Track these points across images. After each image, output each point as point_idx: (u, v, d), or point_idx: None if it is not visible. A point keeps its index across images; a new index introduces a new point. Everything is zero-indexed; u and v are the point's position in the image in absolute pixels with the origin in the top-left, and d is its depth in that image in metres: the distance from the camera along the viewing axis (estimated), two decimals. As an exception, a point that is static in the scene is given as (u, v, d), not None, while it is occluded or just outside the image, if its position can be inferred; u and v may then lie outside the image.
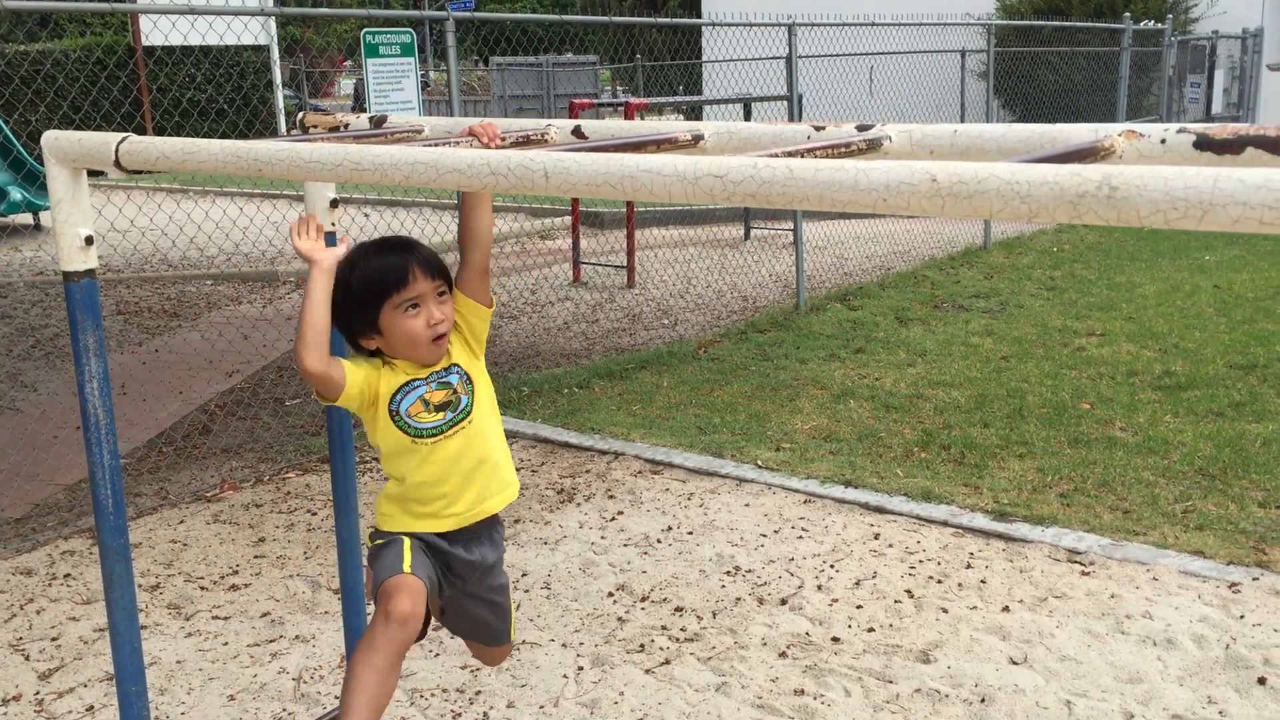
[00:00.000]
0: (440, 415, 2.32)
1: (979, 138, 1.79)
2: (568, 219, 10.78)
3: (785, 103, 11.14)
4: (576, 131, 2.16)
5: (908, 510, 4.52)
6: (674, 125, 2.07)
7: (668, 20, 9.11)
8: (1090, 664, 3.33)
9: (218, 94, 18.38)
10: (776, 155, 1.53)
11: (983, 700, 3.15)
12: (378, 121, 2.45)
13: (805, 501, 4.69)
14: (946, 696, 3.18)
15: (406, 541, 2.31)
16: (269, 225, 10.06)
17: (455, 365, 2.35)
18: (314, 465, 5.32)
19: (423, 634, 2.34)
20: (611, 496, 4.80)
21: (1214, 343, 7.07)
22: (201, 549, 4.36)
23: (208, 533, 4.53)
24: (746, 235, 12.15)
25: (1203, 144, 1.55)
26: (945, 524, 4.40)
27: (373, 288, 2.26)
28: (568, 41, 31.58)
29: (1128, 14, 12.85)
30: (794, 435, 5.54)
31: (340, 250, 2.28)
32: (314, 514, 4.70)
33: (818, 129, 1.91)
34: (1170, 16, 13.13)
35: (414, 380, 2.31)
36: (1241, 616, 3.58)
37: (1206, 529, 4.26)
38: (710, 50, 19.30)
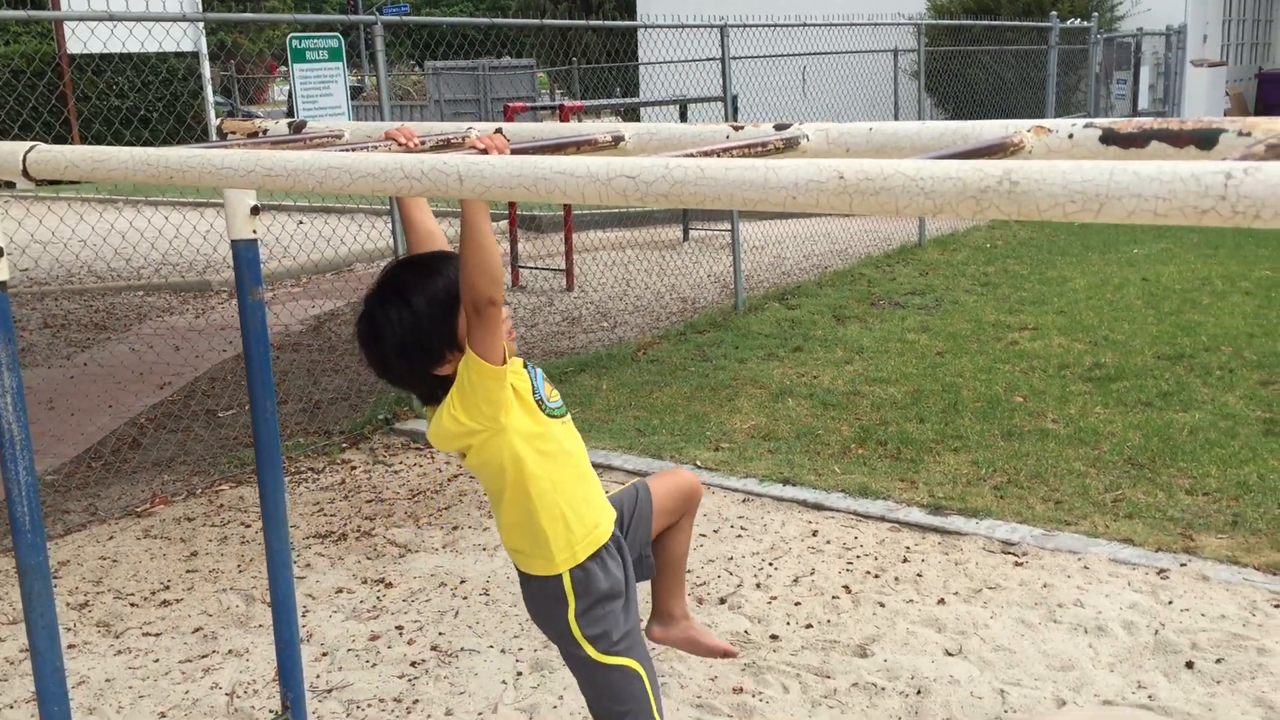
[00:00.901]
0: (557, 395, 2.24)
1: (894, 135, 1.81)
2: (504, 223, 10.73)
3: (720, 104, 11.20)
4: (499, 131, 2.14)
5: (845, 506, 4.56)
6: (594, 127, 2.06)
7: (600, 23, 9.11)
8: (1023, 653, 3.38)
9: (145, 102, 18.06)
10: (692, 155, 1.53)
11: (919, 692, 3.18)
12: (297, 127, 2.41)
13: (744, 500, 4.71)
14: (883, 690, 3.21)
15: (645, 677, 2.21)
16: (199, 234, 9.91)
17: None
18: (247, 477, 5.24)
19: None
20: (550, 500, 4.78)
21: (1142, 334, 7.21)
22: (132, 565, 4.28)
23: (138, 548, 4.44)
24: (685, 237, 12.18)
25: (1108, 138, 1.58)
26: (882, 519, 4.44)
27: (445, 301, 2.08)
28: (504, 45, 31.46)
29: (1054, 12, 13.08)
30: (733, 435, 5.56)
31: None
32: (248, 526, 4.63)
33: (736, 129, 1.91)
34: (1095, 15, 13.37)
35: (527, 365, 2.21)
36: (1170, 602, 3.65)
37: (1135, 517, 4.34)
38: (646, 52, 19.34)
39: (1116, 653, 3.36)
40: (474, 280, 1.95)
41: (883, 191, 1.23)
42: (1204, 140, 1.48)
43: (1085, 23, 13.12)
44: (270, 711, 3.11)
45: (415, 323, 2.06)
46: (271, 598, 2.86)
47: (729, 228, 11.44)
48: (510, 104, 9.74)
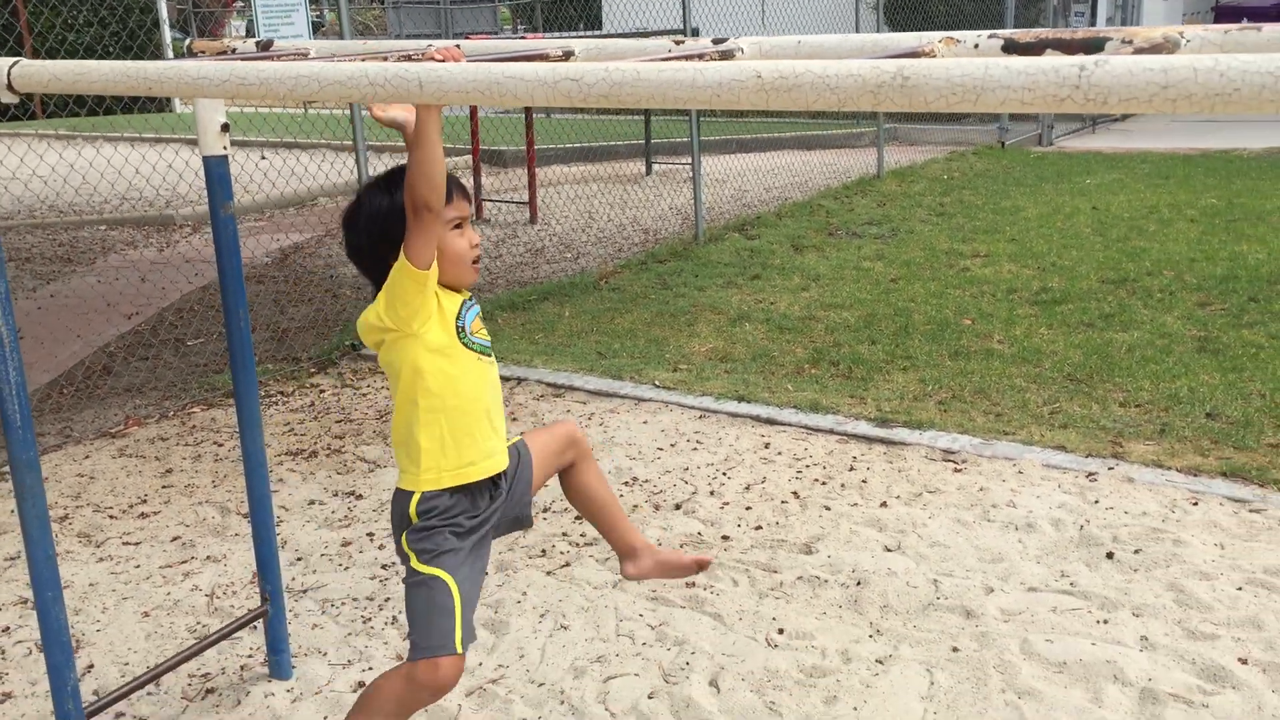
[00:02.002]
0: (488, 337, 2.33)
1: (820, 47, 1.96)
2: (468, 157, 10.78)
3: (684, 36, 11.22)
4: (456, 48, 2.27)
5: (796, 421, 4.76)
6: (547, 43, 2.20)
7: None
8: (957, 548, 3.61)
9: (102, 35, 17.80)
10: (630, 61, 1.69)
11: (858, 583, 3.41)
12: (264, 46, 2.54)
13: (700, 417, 4.90)
14: (825, 582, 3.43)
15: (457, 594, 2.19)
16: (159, 170, 9.91)
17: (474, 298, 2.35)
18: (218, 400, 5.38)
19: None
20: (515, 419, 4.96)
21: (1089, 260, 7.45)
22: (109, 481, 4.43)
23: (114, 466, 4.58)
24: (648, 170, 12.28)
25: (1009, 47, 1.74)
26: (831, 432, 4.65)
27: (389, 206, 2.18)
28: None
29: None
30: (691, 357, 5.75)
31: None
32: (220, 445, 4.78)
33: (678, 43, 2.06)
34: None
35: (468, 300, 2.29)
36: (1096, 501, 3.89)
37: (1070, 427, 4.58)
38: (609, -15, 19.23)
39: (1043, 546, 3.60)
40: (415, 183, 2.06)
41: (795, 88, 1.39)
42: (1092, 47, 1.64)
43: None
44: (249, 610, 3.29)
45: (387, 213, 2.17)
46: (250, 509, 3.03)
47: (691, 161, 11.57)
48: (471, 36, 9.75)
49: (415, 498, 2.22)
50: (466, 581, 2.22)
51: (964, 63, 1.29)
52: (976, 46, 1.80)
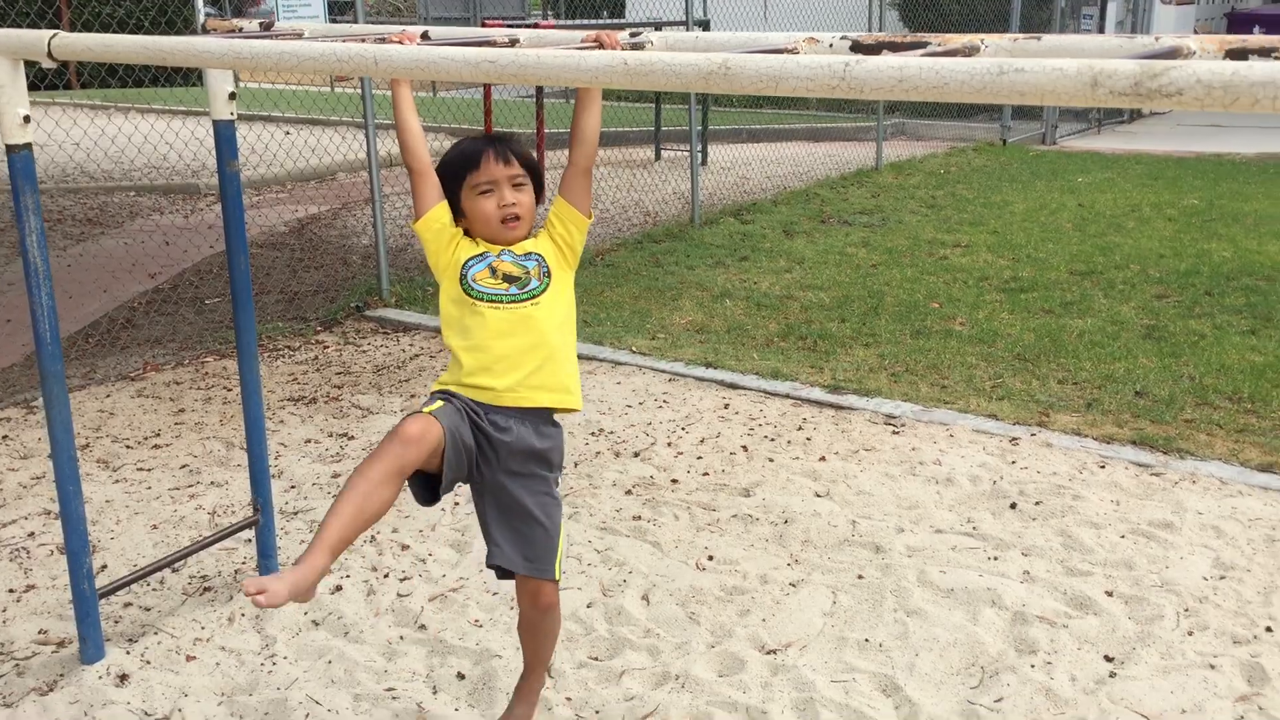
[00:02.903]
0: (504, 285, 2.42)
1: (712, 41, 2.37)
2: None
3: (698, 28, 11.62)
4: (425, 35, 2.69)
5: (756, 386, 5.17)
6: (499, 32, 2.62)
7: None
8: (880, 496, 4.01)
9: (136, 9, 18.30)
10: (543, 47, 2.10)
11: (786, 522, 3.82)
12: (267, 26, 2.96)
13: (670, 380, 5.32)
14: (757, 520, 3.84)
15: (440, 401, 2.36)
16: (187, 141, 10.39)
17: (537, 254, 2.46)
18: (231, 352, 5.81)
19: (436, 498, 2.39)
20: (499, 376, 5.39)
21: (1063, 253, 7.80)
22: (127, 417, 4.88)
23: (132, 404, 5.04)
24: (657, 156, 12.66)
25: (856, 47, 2.14)
26: (787, 396, 5.06)
27: (452, 170, 2.46)
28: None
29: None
30: (670, 328, 6.16)
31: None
32: (229, 390, 5.23)
33: (594, 39, 2.47)
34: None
35: (487, 253, 2.45)
36: (1013, 462, 4.28)
37: (1006, 399, 4.96)
38: (632, -25, 19.61)
39: (957, 498, 4.00)
40: (400, 149, 2.49)
41: (651, 73, 1.80)
42: (915, 47, 2.04)
43: (1051, -43, 13.52)
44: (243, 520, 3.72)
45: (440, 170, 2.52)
46: (248, 445, 3.45)
47: (699, 148, 11.95)
48: (487, 21, 10.15)
49: (436, 384, 2.48)
50: (450, 423, 2.30)
51: (771, 59, 1.69)
52: (831, 46, 2.20)
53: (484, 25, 9.91)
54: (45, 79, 12.79)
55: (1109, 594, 3.34)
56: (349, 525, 2.22)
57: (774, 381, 5.22)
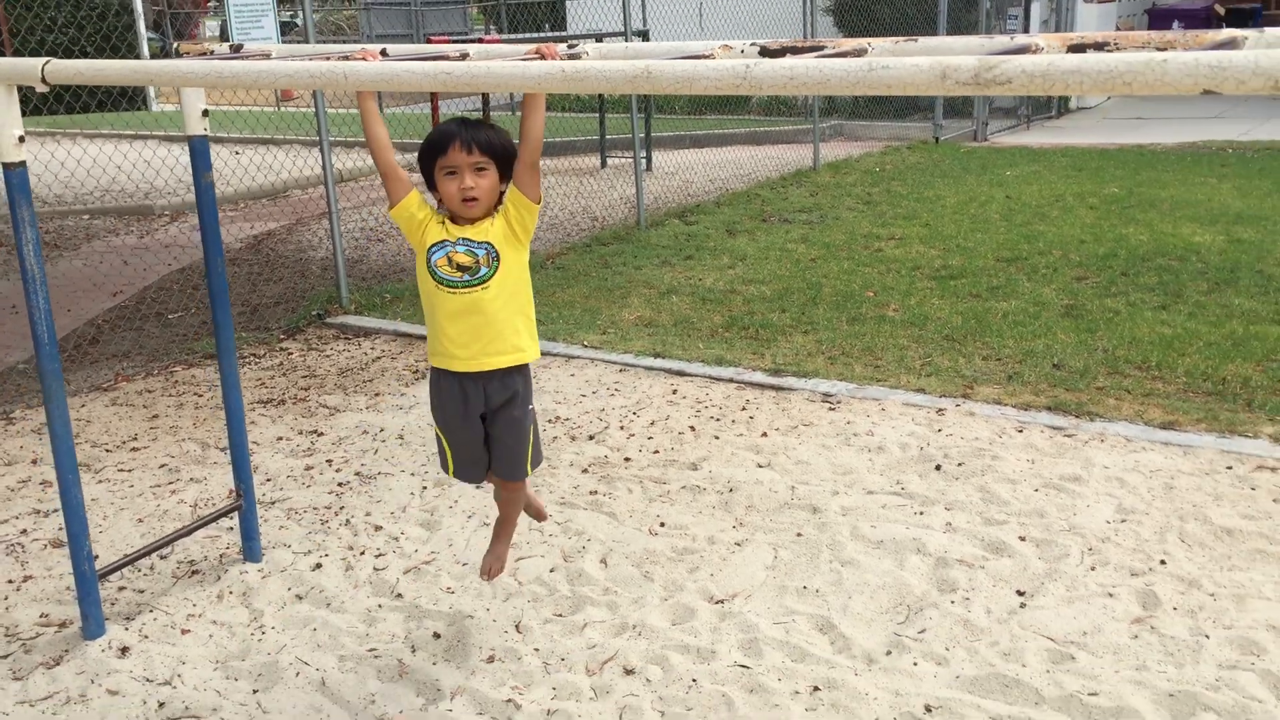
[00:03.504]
0: (459, 274, 2.84)
1: (641, 50, 2.69)
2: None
3: (638, 38, 11.97)
4: (383, 53, 2.99)
5: (702, 372, 5.50)
6: (452, 48, 2.92)
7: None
8: (817, 465, 4.35)
9: (80, 38, 18.35)
10: (489, 60, 2.41)
11: (730, 490, 4.14)
12: (236, 48, 3.24)
13: (621, 370, 5.63)
14: (704, 490, 4.16)
15: (444, 441, 3.11)
16: (139, 162, 10.57)
17: (488, 243, 2.84)
18: (198, 361, 6.06)
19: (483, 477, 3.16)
20: (459, 373, 5.67)
21: (990, 242, 8.21)
22: (103, 424, 5.11)
23: (107, 412, 5.27)
24: (603, 164, 12.99)
25: (764, 53, 2.47)
26: (731, 381, 5.39)
27: (428, 151, 2.84)
28: (437, -20, 31.66)
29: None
30: (620, 324, 6.47)
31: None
32: (200, 396, 5.47)
33: (537, 52, 2.78)
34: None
35: (446, 241, 2.84)
36: (939, 430, 4.64)
37: (934, 375, 5.33)
38: (572, -12, 19.96)
39: (887, 463, 4.35)
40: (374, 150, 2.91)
41: (586, 79, 2.12)
42: (812, 50, 2.37)
43: (976, -39, 14.03)
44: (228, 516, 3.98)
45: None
46: (230, 445, 3.71)
47: (643, 154, 12.29)
48: (432, 37, 10.43)
49: (429, 356, 3.04)
50: (450, 434, 3.10)
51: (687, 64, 2.01)
52: (743, 51, 2.53)
53: (429, 41, 10.22)
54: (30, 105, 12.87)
55: (1022, 539, 3.69)
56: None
57: (719, 368, 5.54)
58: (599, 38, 12.28)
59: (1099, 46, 2.12)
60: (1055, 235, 8.30)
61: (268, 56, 3.14)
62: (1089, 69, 1.67)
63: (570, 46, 2.75)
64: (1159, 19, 18.22)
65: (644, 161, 12.31)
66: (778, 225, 9.25)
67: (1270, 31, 2.08)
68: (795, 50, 2.41)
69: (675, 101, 17.64)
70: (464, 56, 2.85)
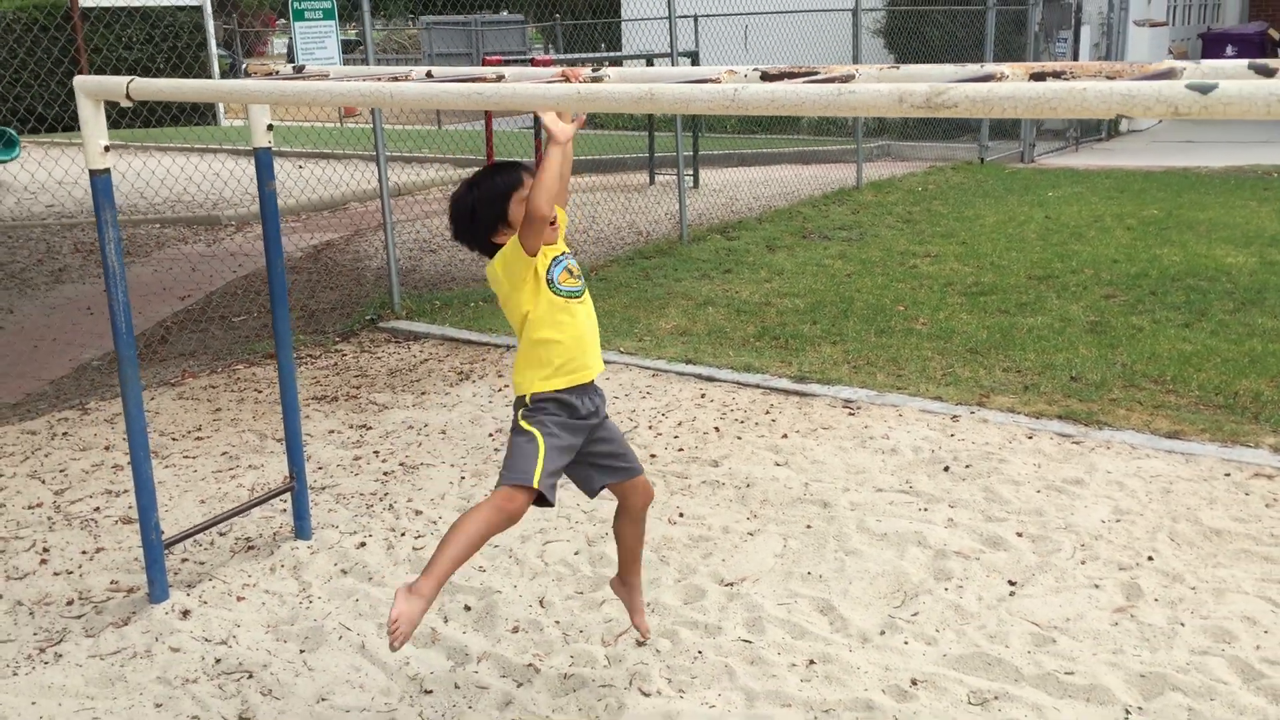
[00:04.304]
0: (577, 283, 2.98)
1: (657, 75, 2.98)
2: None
3: (687, 59, 12.30)
4: (429, 74, 3.31)
5: (731, 378, 5.76)
6: (487, 70, 3.23)
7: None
8: (832, 465, 4.59)
9: (154, 54, 19.09)
10: (512, 81, 2.72)
11: (748, 485, 4.40)
12: (299, 69, 3.58)
13: (653, 375, 5.91)
14: (723, 485, 4.42)
15: (543, 447, 2.87)
16: (207, 177, 11.08)
17: (570, 253, 3.00)
18: (259, 360, 6.44)
19: (549, 501, 2.92)
20: (500, 375, 5.99)
21: (1024, 260, 8.40)
22: (170, 416, 5.49)
23: (174, 405, 5.65)
24: (651, 181, 13.31)
25: (765, 77, 2.75)
26: (758, 386, 5.65)
27: (500, 190, 2.89)
28: (505, 1, 32.38)
29: (992, -24, 14.19)
30: (655, 332, 6.76)
31: (572, 130, 2.81)
32: (260, 392, 5.84)
33: (563, 75, 3.08)
34: (1035, -22, 14.44)
35: (557, 257, 2.93)
36: (952, 435, 4.86)
37: (953, 385, 5.55)
38: (628, 10, 20.37)
39: (899, 464, 4.58)
40: (535, 201, 2.76)
41: (597, 100, 2.41)
42: (807, 75, 2.65)
43: (1023, -15, 14.19)
44: (282, 498, 4.31)
45: (474, 204, 2.95)
46: (285, 436, 4.05)
47: (690, 172, 12.61)
48: (487, 58, 10.82)
49: (527, 396, 2.96)
50: (552, 448, 2.90)
51: (682, 86, 2.30)
52: (745, 76, 2.81)
53: (484, 62, 10.61)
54: (62, 123, 13.48)
55: (1019, 535, 3.91)
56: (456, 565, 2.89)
57: (747, 374, 5.81)
58: (650, 60, 12.63)
59: (1057, 75, 2.38)
60: (1089, 255, 8.46)
61: (326, 77, 3.48)
62: (1021, 95, 1.93)
63: (595, 69, 3.05)
64: (1213, 43, 18.20)
65: (690, 179, 12.64)
66: (817, 241, 9.49)
67: (1206, 63, 2.32)
68: (791, 75, 2.68)
69: (726, 122, 17.95)
70: (500, 78, 3.17)
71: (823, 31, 14.55)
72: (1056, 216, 10.12)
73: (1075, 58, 15.11)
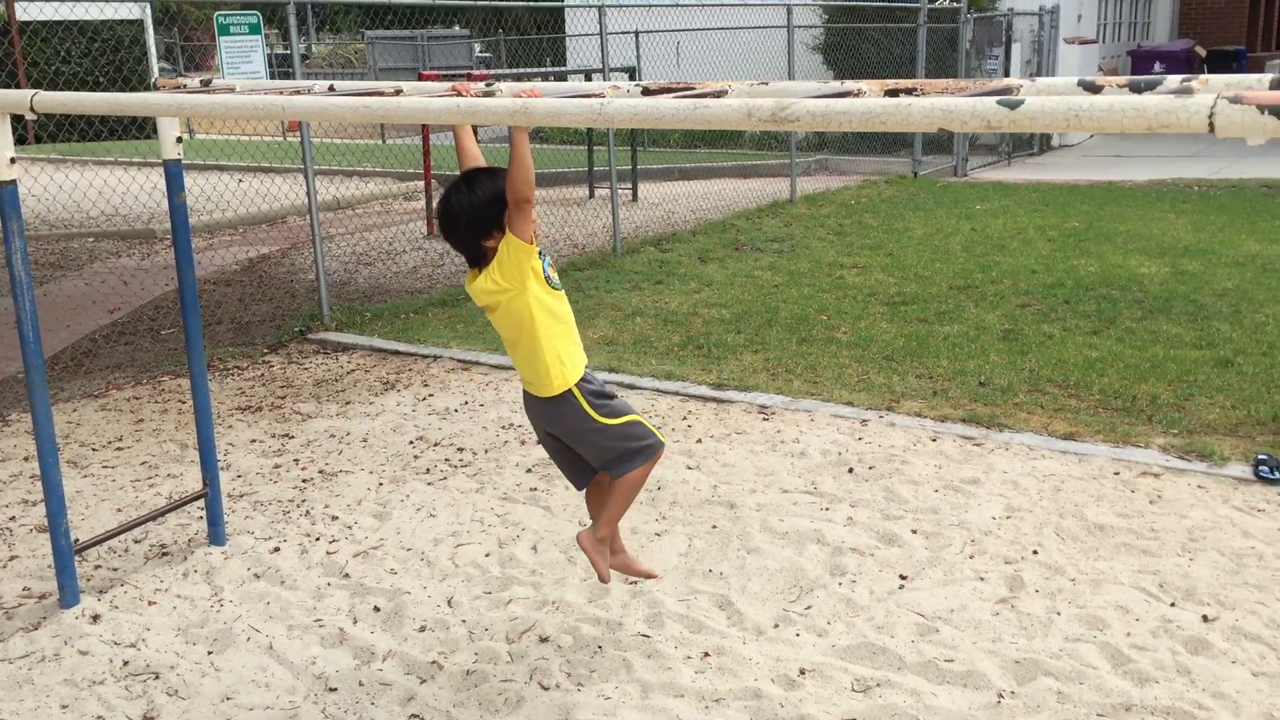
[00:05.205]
0: (557, 275, 3.16)
1: (547, 90, 3.10)
2: (422, 182, 11.90)
3: (625, 74, 12.47)
4: (331, 88, 3.41)
5: (651, 385, 5.89)
6: (384, 85, 3.34)
7: (485, 3, 10.27)
8: (742, 468, 4.73)
9: (93, 68, 18.94)
10: (413, 96, 2.83)
11: (659, 488, 4.52)
12: (206, 83, 3.67)
13: (576, 384, 6.01)
14: (634, 488, 4.54)
15: (639, 418, 3.20)
16: (146, 185, 11.04)
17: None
18: (184, 372, 6.45)
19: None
20: (426, 385, 6.08)
21: (947, 271, 8.61)
22: (91, 426, 5.52)
23: (96, 416, 5.68)
24: (590, 194, 13.44)
25: (646, 91, 2.88)
26: (677, 394, 5.78)
27: (499, 192, 2.94)
28: (450, 16, 32.43)
29: (924, -7, 14.53)
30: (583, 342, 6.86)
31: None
32: (183, 403, 5.87)
33: (489, 90, 3.20)
34: (966, -3, 14.77)
35: (542, 253, 3.08)
36: (860, 439, 5.01)
37: (866, 391, 5.71)
38: (571, 25, 20.54)
39: (807, 467, 4.72)
40: (515, 184, 2.89)
41: (475, 113, 2.53)
42: (682, 90, 2.78)
43: (955, 3, 14.49)
44: (200, 508, 4.37)
45: (473, 206, 3.00)
46: (199, 445, 4.11)
47: (629, 186, 12.76)
48: (423, 73, 10.92)
49: (574, 389, 3.12)
50: (633, 410, 3.24)
51: (552, 100, 2.42)
52: (629, 91, 2.94)
53: (421, 76, 10.68)
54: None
55: (914, 532, 4.06)
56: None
57: (667, 382, 5.94)
58: (588, 74, 12.78)
59: (909, 91, 2.53)
60: (1010, 265, 8.69)
61: (232, 90, 3.57)
62: (854, 110, 2.07)
63: (488, 85, 3.16)
64: (1141, 60, 18.68)
65: (628, 192, 12.79)
66: (749, 253, 9.66)
67: (1041, 81, 2.48)
68: (669, 90, 2.82)
69: (669, 136, 18.14)
70: (398, 92, 3.27)
71: (761, 48, 14.78)
72: (982, 229, 10.37)
73: (1007, 74, 15.45)
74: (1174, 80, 2.28)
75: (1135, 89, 2.25)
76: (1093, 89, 2.31)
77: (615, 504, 3.27)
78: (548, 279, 3.11)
